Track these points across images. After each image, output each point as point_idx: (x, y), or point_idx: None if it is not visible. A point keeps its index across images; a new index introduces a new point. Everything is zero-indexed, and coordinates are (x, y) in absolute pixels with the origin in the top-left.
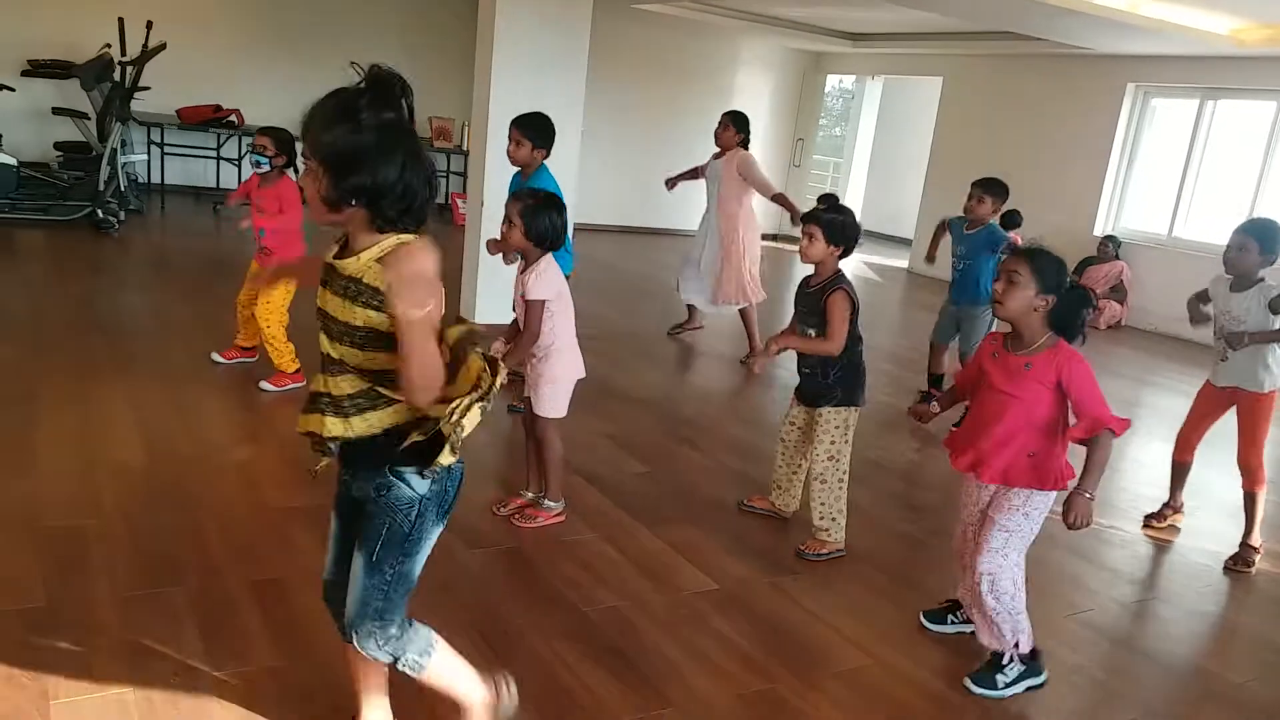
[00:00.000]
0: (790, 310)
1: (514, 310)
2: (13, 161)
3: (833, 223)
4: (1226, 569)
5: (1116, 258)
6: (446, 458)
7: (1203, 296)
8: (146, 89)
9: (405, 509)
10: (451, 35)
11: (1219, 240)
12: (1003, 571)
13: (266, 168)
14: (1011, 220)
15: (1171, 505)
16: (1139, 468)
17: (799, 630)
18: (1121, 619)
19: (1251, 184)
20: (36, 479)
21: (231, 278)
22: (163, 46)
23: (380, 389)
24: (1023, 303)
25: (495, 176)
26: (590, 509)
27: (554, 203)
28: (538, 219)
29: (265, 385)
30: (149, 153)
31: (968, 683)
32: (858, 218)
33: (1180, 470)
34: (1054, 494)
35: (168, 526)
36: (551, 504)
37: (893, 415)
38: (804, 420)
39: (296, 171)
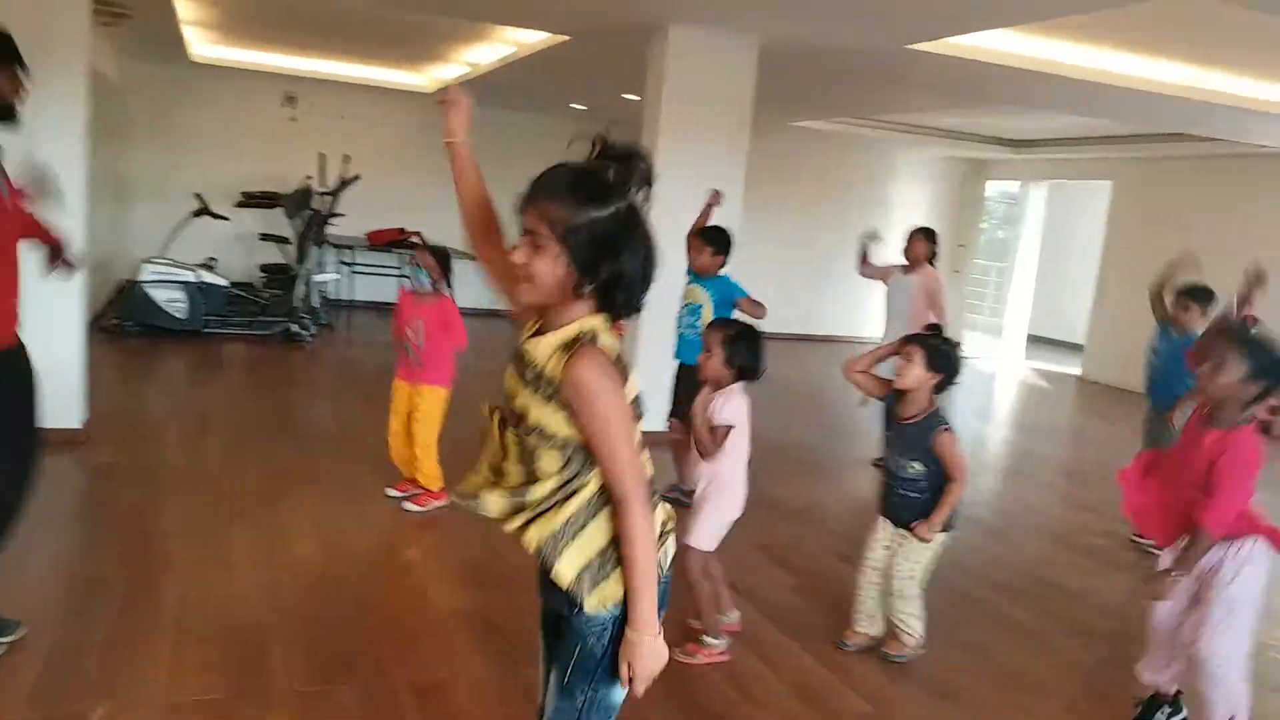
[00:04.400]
0: None
1: (694, 433)
2: (223, 282)
3: (936, 349)
4: None
5: None
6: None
7: None
8: (341, 215)
9: (598, 631)
10: None
11: None
12: None
13: (426, 285)
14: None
15: None
16: None
17: None
18: None
19: None
20: (229, 573)
21: None
22: (357, 178)
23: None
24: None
25: (656, 293)
26: (744, 625)
27: (754, 333)
28: (739, 347)
29: (409, 506)
30: (340, 272)
31: None
32: (1026, 322)
33: None
34: None
35: (340, 625)
36: (713, 641)
37: (1064, 530)
38: (892, 539)
39: (450, 289)
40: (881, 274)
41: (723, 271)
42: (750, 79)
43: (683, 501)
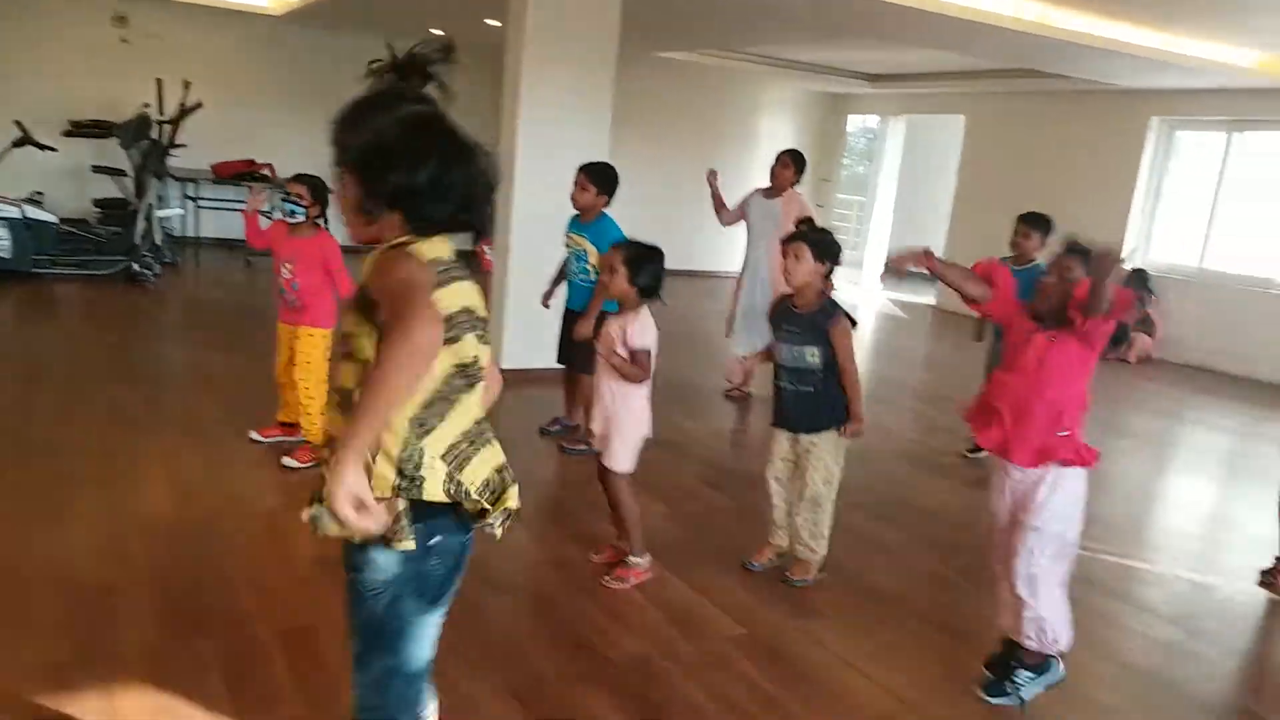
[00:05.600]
0: None
1: (601, 357)
2: (52, 219)
3: (820, 240)
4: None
5: (1149, 292)
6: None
7: None
8: (182, 146)
9: (374, 594)
10: (477, 88)
11: (1249, 271)
12: None
13: (300, 217)
14: (1141, 280)
15: None
16: (1177, 507)
17: (830, 676)
18: (1160, 660)
19: None
20: (65, 530)
21: (264, 328)
22: (199, 105)
23: None
24: None
25: (522, 225)
26: (615, 554)
27: (657, 253)
28: (643, 267)
29: (288, 461)
30: (184, 207)
31: None
32: (884, 254)
33: None
34: None
35: (196, 578)
36: (637, 560)
37: (921, 452)
38: (791, 451)
39: (326, 222)
40: (740, 212)
41: (606, 212)
42: (615, 5)
43: (564, 435)
